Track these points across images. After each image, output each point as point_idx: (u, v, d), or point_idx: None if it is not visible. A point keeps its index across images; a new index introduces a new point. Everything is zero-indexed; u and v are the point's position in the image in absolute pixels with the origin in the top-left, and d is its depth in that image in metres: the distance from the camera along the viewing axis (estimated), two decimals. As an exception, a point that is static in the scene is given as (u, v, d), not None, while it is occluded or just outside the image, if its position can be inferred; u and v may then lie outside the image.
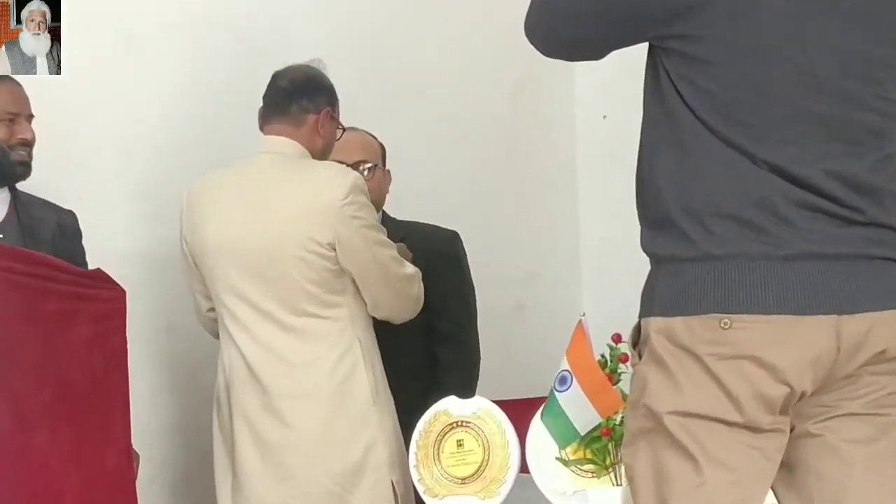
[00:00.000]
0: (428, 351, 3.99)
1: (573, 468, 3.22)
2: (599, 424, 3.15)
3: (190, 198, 3.62)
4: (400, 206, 4.10)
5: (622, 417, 3.03)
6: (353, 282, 3.56)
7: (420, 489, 3.40)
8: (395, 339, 3.71)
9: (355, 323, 3.55)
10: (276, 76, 3.69)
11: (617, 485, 3.16)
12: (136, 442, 3.40)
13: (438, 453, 3.39)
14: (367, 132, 4.03)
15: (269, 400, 3.50)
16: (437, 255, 3.92)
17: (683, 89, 2.18)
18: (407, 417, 3.54)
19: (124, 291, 3.35)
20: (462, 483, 3.36)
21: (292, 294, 3.50)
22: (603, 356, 3.23)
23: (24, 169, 3.44)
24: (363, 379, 3.52)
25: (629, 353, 2.28)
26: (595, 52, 2.34)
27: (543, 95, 5.14)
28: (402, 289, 3.60)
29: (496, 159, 5.00)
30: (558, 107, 5.19)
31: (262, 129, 3.66)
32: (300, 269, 3.49)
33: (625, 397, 3.02)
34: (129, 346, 3.31)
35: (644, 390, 2.19)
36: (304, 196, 3.51)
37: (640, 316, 2.23)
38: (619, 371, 3.20)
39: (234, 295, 3.55)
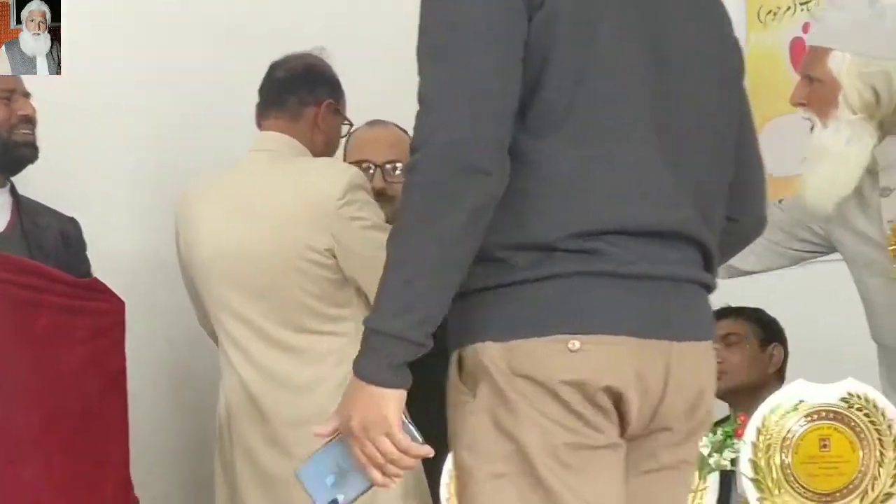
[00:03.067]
0: (444, 366, 3.68)
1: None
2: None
3: (182, 206, 3.43)
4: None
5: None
6: (360, 291, 3.33)
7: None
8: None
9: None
10: (273, 67, 3.51)
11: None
12: (134, 471, 3.27)
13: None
14: (396, 126, 3.77)
15: (271, 429, 3.29)
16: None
17: None
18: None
19: (123, 303, 3.23)
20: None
21: (291, 309, 3.27)
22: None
23: (31, 151, 3.26)
24: None
25: (452, 388, 2.17)
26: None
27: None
28: None
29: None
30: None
31: (258, 124, 3.47)
32: (298, 281, 3.26)
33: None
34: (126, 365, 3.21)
35: (489, 430, 2.06)
36: (295, 197, 3.28)
37: (462, 344, 2.12)
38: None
39: (230, 313, 3.34)
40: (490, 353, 2.05)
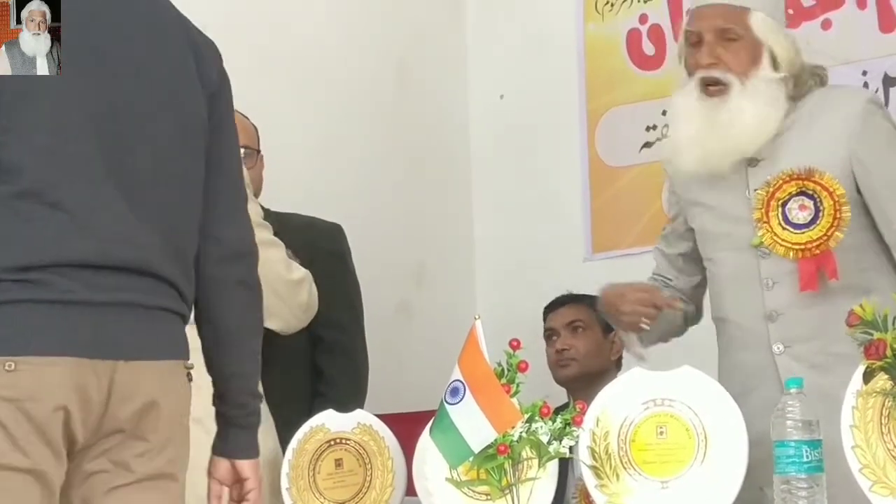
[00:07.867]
0: (310, 360, 3.79)
1: (465, 490, 3.04)
2: (495, 441, 2.97)
3: None
4: (273, 194, 3.87)
5: (521, 433, 2.94)
6: None
7: (293, 515, 3.20)
8: (272, 347, 3.42)
9: None
10: None
11: (514, 508, 3.01)
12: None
13: (314, 474, 3.20)
14: (238, 112, 3.69)
15: None
16: (318, 250, 3.70)
17: None
18: (288, 438, 3.30)
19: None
20: (341, 507, 3.20)
21: None
22: (500, 364, 3.04)
23: None
24: None
25: None
26: None
27: (433, 73, 5.02)
28: (289, 296, 3.40)
29: (381, 142, 4.87)
30: (450, 86, 5.06)
31: None
32: None
33: (524, 410, 2.95)
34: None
35: None
36: None
37: None
38: (517, 381, 3.04)
39: None
40: None
